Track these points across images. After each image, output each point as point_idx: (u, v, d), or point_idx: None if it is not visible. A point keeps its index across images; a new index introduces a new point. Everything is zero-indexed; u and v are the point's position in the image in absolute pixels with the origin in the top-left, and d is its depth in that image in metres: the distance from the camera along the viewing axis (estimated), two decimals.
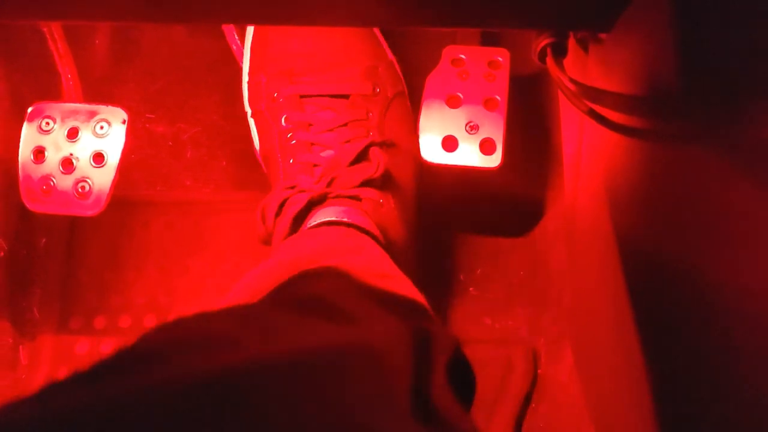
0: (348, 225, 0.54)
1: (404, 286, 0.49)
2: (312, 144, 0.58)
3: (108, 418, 0.23)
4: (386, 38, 0.65)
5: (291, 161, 0.58)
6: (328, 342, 0.33)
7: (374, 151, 0.57)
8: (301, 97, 0.60)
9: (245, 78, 0.64)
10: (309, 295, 0.41)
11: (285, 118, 0.59)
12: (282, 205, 0.56)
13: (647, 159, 0.37)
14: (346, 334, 0.37)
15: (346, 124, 0.58)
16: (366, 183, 0.56)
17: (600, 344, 0.53)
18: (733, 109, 0.31)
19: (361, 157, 0.57)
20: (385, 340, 0.37)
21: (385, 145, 0.59)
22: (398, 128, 0.61)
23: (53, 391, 0.26)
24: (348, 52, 0.61)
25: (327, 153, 0.58)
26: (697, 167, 0.34)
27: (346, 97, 0.60)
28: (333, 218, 0.54)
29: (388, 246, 0.56)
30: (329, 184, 0.56)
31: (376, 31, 0.64)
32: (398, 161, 0.60)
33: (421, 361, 0.39)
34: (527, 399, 0.65)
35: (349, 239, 0.52)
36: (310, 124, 0.59)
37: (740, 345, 0.34)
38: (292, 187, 0.56)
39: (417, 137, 0.61)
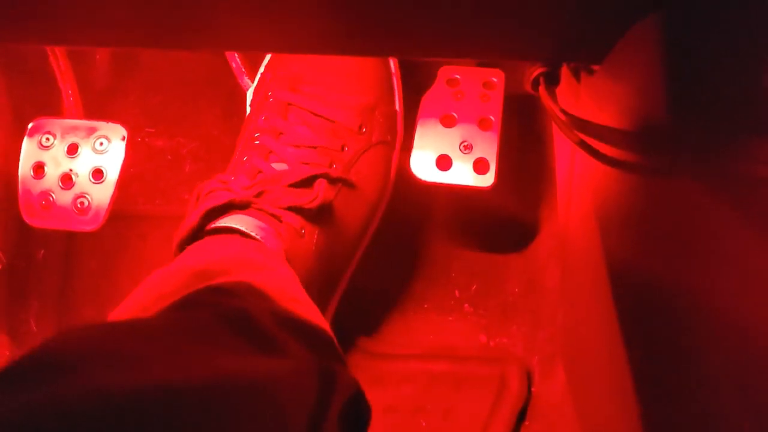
0: (256, 240, 0.53)
1: (314, 315, 0.49)
2: (270, 152, 0.58)
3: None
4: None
5: (244, 159, 0.58)
6: (241, 372, 0.33)
7: (320, 183, 0.56)
8: (289, 104, 0.60)
9: (261, 69, 0.64)
10: (228, 310, 0.41)
11: (265, 117, 0.60)
12: (208, 194, 0.56)
13: (635, 189, 0.38)
14: (262, 364, 0.37)
15: (315, 147, 0.58)
16: (294, 209, 0.55)
17: (592, 364, 0.54)
18: (721, 144, 0.32)
19: (306, 183, 0.56)
20: (297, 376, 0.37)
21: (340, 182, 0.58)
22: (368, 173, 0.61)
23: None
24: (356, 84, 0.62)
25: (279, 165, 0.58)
26: (684, 199, 0.35)
27: (331, 121, 0.60)
28: (243, 228, 0.53)
29: None
30: (258, 195, 0.55)
31: (396, 75, 0.64)
32: (350, 203, 0.59)
33: (321, 400, 0.39)
34: (521, 417, 0.66)
35: (258, 254, 0.52)
36: (281, 133, 0.59)
37: (731, 368, 0.34)
38: (224, 182, 0.56)
39: (387, 189, 0.62)
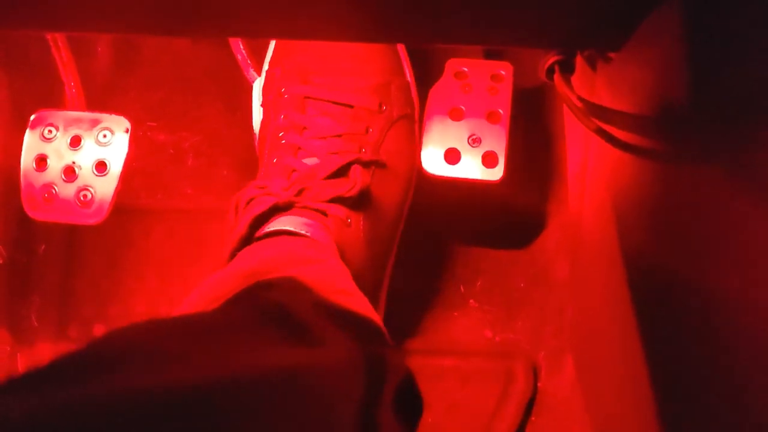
0: (306, 237, 0.53)
1: (361, 305, 0.49)
2: (299, 148, 0.58)
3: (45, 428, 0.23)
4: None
5: (274, 160, 0.58)
6: (279, 365, 0.33)
7: (355, 169, 0.57)
8: (306, 98, 0.59)
9: (265, 66, 0.64)
10: (268, 304, 0.41)
11: (284, 115, 0.59)
12: (248, 203, 0.55)
13: (654, 177, 0.37)
14: (300, 355, 0.37)
15: (340, 135, 0.58)
16: (337, 200, 0.55)
17: (604, 358, 0.53)
18: (742, 131, 0.31)
19: (341, 172, 0.56)
20: (339, 364, 0.37)
21: (373, 164, 0.58)
22: (396, 150, 0.61)
23: None
24: (365, 64, 0.61)
25: (310, 160, 0.57)
26: (704, 187, 0.34)
27: (350, 107, 0.59)
28: (292, 228, 0.53)
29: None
30: (299, 193, 0.55)
31: (401, 48, 0.64)
32: (386, 183, 0.59)
33: (372, 387, 0.39)
34: (527, 412, 0.65)
35: (308, 250, 0.52)
36: (305, 128, 0.58)
37: (747, 362, 0.34)
38: (263, 188, 0.56)
39: (415, 162, 0.60)
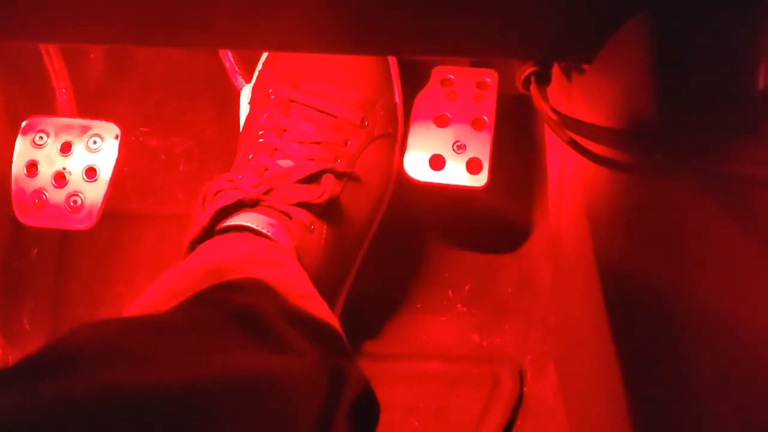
0: (266, 237, 0.54)
1: (323, 311, 0.49)
2: (275, 149, 0.58)
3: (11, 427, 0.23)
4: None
5: (250, 157, 0.59)
6: (249, 369, 0.33)
7: (327, 178, 0.57)
8: (291, 101, 0.60)
9: (258, 67, 0.65)
10: (236, 306, 0.41)
11: (267, 115, 0.60)
12: (216, 194, 0.56)
13: (625, 188, 0.38)
14: (269, 361, 0.37)
15: (319, 143, 0.59)
16: (303, 204, 0.55)
17: (583, 364, 0.54)
18: (710, 144, 0.32)
19: (313, 179, 0.57)
20: (304, 372, 0.38)
21: (346, 176, 0.59)
22: (371, 166, 0.61)
23: None
24: (355, 77, 0.62)
25: (285, 162, 0.58)
26: (673, 198, 0.35)
27: (333, 116, 0.60)
28: (254, 225, 0.54)
29: None
30: (267, 192, 0.55)
31: (394, 68, 0.65)
32: (356, 197, 0.60)
33: (330, 396, 0.39)
34: (512, 417, 0.66)
35: (270, 251, 0.52)
36: (285, 130, 0.59)
37: (720, 368, 0.35)
38: (232, 181, 0.56)
39: (390, 181, 0.61)
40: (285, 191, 0.55)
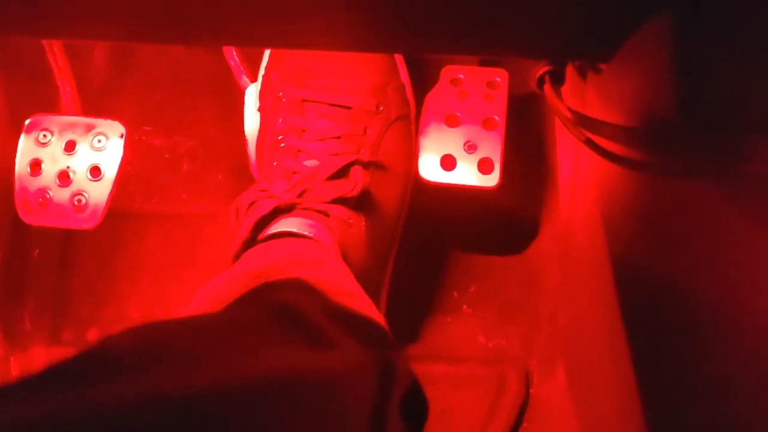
0: (309, 239, 0.54)
1: (367, 308, 0.49)
2: (299, 151, 0.58)
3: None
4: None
5: (275, 164, 0.58)
6: (294, 368, 0.33)
7: (356, 170, 0.57)
8: (304, 101, 0.60)
9: (261, 72, 0.64)
10: (278, 305, 0.41)
11: (282, 119, 0.60)
12: (250, 206, 0.56)
13: (641, 188, 0.37)
14: (315, 359, 0.37)
15: (339, 137, 0.58)
16: (338, 200, 0.56)
17: (594, 366, 0.53)
18: (728, 144, 0.32)
19: (341, 173, 0.57)
20: (350, 369, 0.37)
21: (372, 165, 0.58)
22: (394, 151, 0.61)
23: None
24: (361, 66, 0.61)
25: (311, 162, 0.58)
26: (690, 198, 0.35)
27: (348, 108, 0.60)
28: (295, 229, 0.54)
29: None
30: (300, 195, 0.55)
31: None
32: (385, 184, 0.60)
33: (381, 392, 0.39)
34: (519, 418, 0.65)
35: (313, 252, 0.52)
36: (304, 131, 0.59)
37: (736, 370, 0.34)
38: (264, 190, 0.56)
39: (413, 163, 0.61)
40: (318, 190, 0.55)
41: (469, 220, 0.72)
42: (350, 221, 0.56)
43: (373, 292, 0.53)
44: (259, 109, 0.63)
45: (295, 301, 0.41)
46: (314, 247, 0.53)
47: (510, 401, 0.66)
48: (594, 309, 0.50)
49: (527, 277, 0.71)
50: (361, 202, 0.57)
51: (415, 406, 0.46)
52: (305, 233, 0.54)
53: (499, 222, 0.72)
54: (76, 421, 0.23)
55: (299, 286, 0.46)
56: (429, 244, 0.72)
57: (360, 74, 0.61)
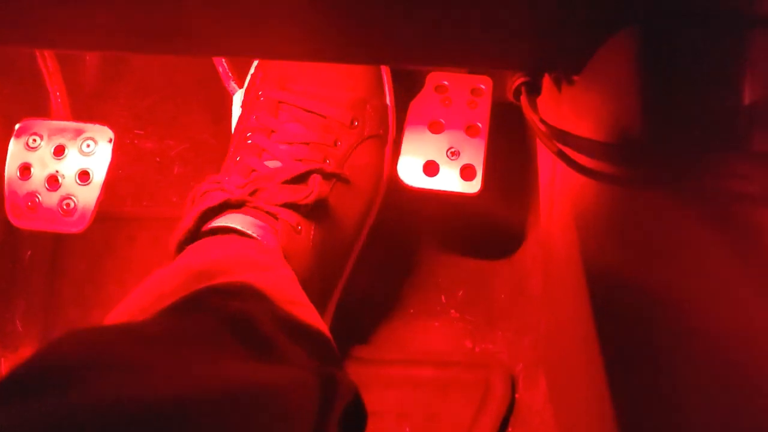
0: (253, 239, 0.54)
1: (312, 317, 0.49)
2: (263, 150, 0.58)
3: None
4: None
5: (237, 159, 0.58)
6: (246, 381, 0.33)
7: (315, 179, 0.56)
8: (280, 102, 0.60)
9: (251, 71, 0.65)
10: (229, 312, 0.41)
11: (256, 117, 0.60)
12: (202, 196, 0.56)
13: (612, 199, 0.38)
14: (266, 372, 0.37)
15: (308, 143, 0.58)
16: (290, 205, 0.55)
17: (572, 372, 0.54)
18: (694, 158, 0.32)
19: (300, 179, 0.56)
20: (297, 384, 0.38)
21: (334, 177, 0.58)
22: (361, 167, 0.61)
23: None
24: (345, 78, 0.62)
25: (272, 163, 0.58)
26: (658, 210, 0.35)
27: (322, 117, 0.60)
28: (239, 226, 0.53)
29: None
30: (252, 193, 0.55)
31: (385, 71, 0.64)
32: (346, 198, 0.60)
33: (323, 409, 0.39)
34: (504, 424, 0.66)
35: (258, 254, 0.52)
36: (273, 131, 0.58)
37: (706, 375, 0.35)
38: (218, 182, 0.56)
39: (381, 182, 0.61)
40: (271, 192, 0.55)
41: (457, 225, 0.72)
42: (299, 228, 0.55)
43: (316, 302, 0.52)
44: (241, 106, 0.64)
45: (246, 310, 0.41)
46: (259, 249, 0.52)
47: (496, 406, 0.67)
48: (571, 316, 0.50)
49: (514, 283, 0.71)
50: (315, 212, 0.57)
51: (355, 421, 0.46)
52: (249, 232, 0.53)
53: (487, 227, 0.73)
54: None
55: (247, 291, 0.46)
56: (417, 249, 0.72)
57: (342, 86, 0.61)
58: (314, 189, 0.56)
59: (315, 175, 0.56)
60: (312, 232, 0.56)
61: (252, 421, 0.31)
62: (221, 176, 0.57)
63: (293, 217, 0.55)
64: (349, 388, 0.44)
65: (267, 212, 0.55)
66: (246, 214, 0.55)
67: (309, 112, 0.59)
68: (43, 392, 0.26)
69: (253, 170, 0.57)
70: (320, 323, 0.49)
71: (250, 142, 0.58)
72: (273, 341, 0.40)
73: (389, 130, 0.64)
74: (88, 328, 0.33)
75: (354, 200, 0.60)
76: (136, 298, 0.47)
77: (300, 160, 0.57)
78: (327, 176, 0.57)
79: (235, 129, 0.63)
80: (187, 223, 0.54)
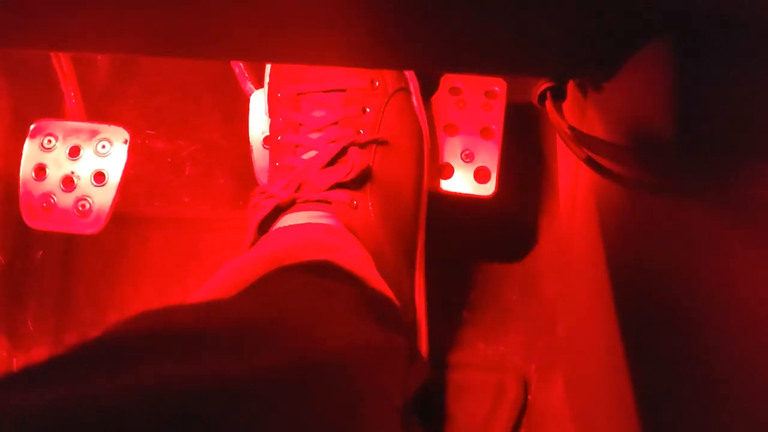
0: (322, 225, 0.53)
1: (385, 294, 0.49)
2: (297, 146, 0.57)
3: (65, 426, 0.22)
4: None
5: (277, 164, 0.58)
6: (339, 345, 0.33)
7: (353, 152, 0.56)
8: (299, 94, 0.59)
9: (266, 79, 0.64)
10: (318, 276, 0.41)
11: (282, 118, 0.59)
12: (253, 209, 0.55)
13: (639, 205, 0.38)
14: (352, 332, 0.36)
15: (336, 122, 0.57)
16: (337, 186, 0.55)
17: (592, 374, 0.54)
18: (724, 166, 0.32)
19: (337, 158, 0.56)
20: (397, 345, 0.37)
21: (374, 143, 0.57)
22: (396, 125, 0.59)
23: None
24: None
25: (310, 155, 0.57)
26: (687, 217, 0.35)
27: (342, 91, 0.59)
28: (300, 222, 0.53)
29: None
30: (298, 189, 0.55)
31: None
32: (391, 160, 0.58)
33: (406, 379, 0.39)
34: (516, 425, 0.66)
35: (328, 236, 0.52)
36: (300, 124, 0.58)
37: (731, 379, 0.35)
38: (263, 192, 0.56)
39: (420, 135, 0.59)
40: (314, 181, 0.55)
41: (468, 227, 0.72)
42: (354, 203, 0.55)
43: (395, 271, 0.51)
44: (269, 115, 0.63)
45: (325, 283, 0.41)
46: (329, 232, 0.52)
47: (508, 408, 0.67)
48: (592, 318, 0.50)
49: (526, 285, 0.71)
50: (363, 183, 0.56)
51: (426, 401, 0.46)
52: (311, 222, 0.53)
53: (499, 229, 0.73)
54: (70, 416, 0.22)
55: (324, 269, 0.45)
56: (428, 250, 0.72)
57: None
58: (354, 162, 0.55)
59: (351, 148, 0.56)
60: (370, 204, 0.56)
61: (315, 392, 0.30)
62: (266, 185, 0.57)
63: (345, 196, 0.55)
64: (426, 365, 0.43)
65: (318, 201, 0.54)
66: (299, 210, 0.54)
67: (328, 92, 0.58)
68: (85, 372, 0.25)
69: (293, 168, 0.57)
70: (393, 302, 0.49)
71: (282, 143, 0.58)
72: (358, 311, 0.40)
73: (408, 80, 0.62)
74: (156, 309, 0.32)
75: (401, 159, 0.59)
76: (210, 287, 0.46)
77: (333, 141, 0.56)
78: (363, 145, 0.56)
79: (266, 141, 0.63)
80: (248, 239, 0.54)
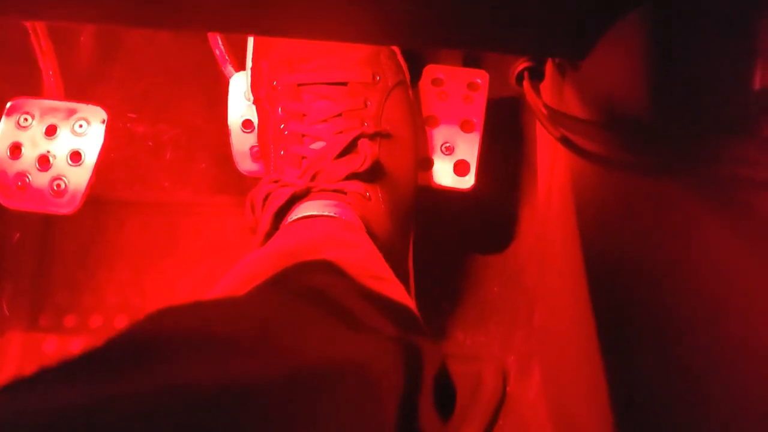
0: (336, 218, 0.53)
1: (397, 291, 0.49)
2: (303, 135, 0.57)
3: (85, 426, 0.22)
4: None
5: (282, 153, 0.58)
6: (327, 358, 0.33)
7: (363, 143, 0.56)
8: (299, 85, 0.59)
9: (248, 64, 0.64)
10: (310, 287, 0.41)
11: (281, 107, 0.59)
12: (266, 199, 0.55)
13: (615, 185, 0.37)
14: (345, 346, 0.36)
15: (340, 114, 0.58)
16: (351, 176, 0.55)
17: (567, 364, 0.54)
18: (700, 143, 0.32)
19: (349, 149, 0.56)
20: (382, 357, 0.37)
21: (378, 136, 0.58)
22: (397, 118, 0.60)
23: (21, 389, 0.24)
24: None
25: (317, 145, 0.57)
26: (664, 196, 0.35)
27: (344, 84, 0.59)
28: (316, 212, 0.53)
29: (372, 240, 0.56)
30: (313, 178, 0.55)
31: None
32: (394, 152, 0.59)
33: (411, 378, 0.38)
34: (494, 416, 0.66)
35: (343, 232, 0.52)
36: (304, 115, 0.58)
37: (711, 367, 0.35)
38: (276, 181, 0.55)
39: (417, 127, 0.60)
40: (329, 170, 0.55)
41: (450, 218, 0.72)
42: (367, 194, 0.55)
43: (399, 262, 0.52)
44: (253, 102, 0.63)
45: (326, 282, 0.41)
46: (343, 227, 0.52)
47: (486, 398, 0.66)
48: (568, 307, 0.50)
49: (507, 276, 0.71)
50: (374, 174, 0.57)
51: (446, 392, 0.45)
52: (328, 214, 0.53)
53: (480, 221, 0.73)
54: (92, 417, 0.22)
55: (330, 267, 0.45)
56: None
57: (350, 48, 0.60)
58: (367, 153, 0.55)
59: (362, 139, 0.56)
60: (380, 195, 0.56)
61: (345, 394, 0.30)
62: (275, 175, 0.57)
63: (360, 187, 0.55)
64: (436, 356, 0.43)
65: (334, 191, 0.54)
66: (315, 199, 0.54)
67: (330, 84, 0.59)
68: (141, 367, 0.25)
69: (303, 157, 0.57)
70: (406, 297, 0.49)
71: (287, 132, 0.58)
72: (354, 312, 0.39)
73: (405, 72, 0.62)
74: (175, 306, 0.31)
75: (401, 152, 0.60)
76: (226, 283, 0.46)
77: (341, 132, 0.57)
78: (372, 137, 0.57)
79: (260, 129, 0.62)
80: (264, 227, 0.54)
